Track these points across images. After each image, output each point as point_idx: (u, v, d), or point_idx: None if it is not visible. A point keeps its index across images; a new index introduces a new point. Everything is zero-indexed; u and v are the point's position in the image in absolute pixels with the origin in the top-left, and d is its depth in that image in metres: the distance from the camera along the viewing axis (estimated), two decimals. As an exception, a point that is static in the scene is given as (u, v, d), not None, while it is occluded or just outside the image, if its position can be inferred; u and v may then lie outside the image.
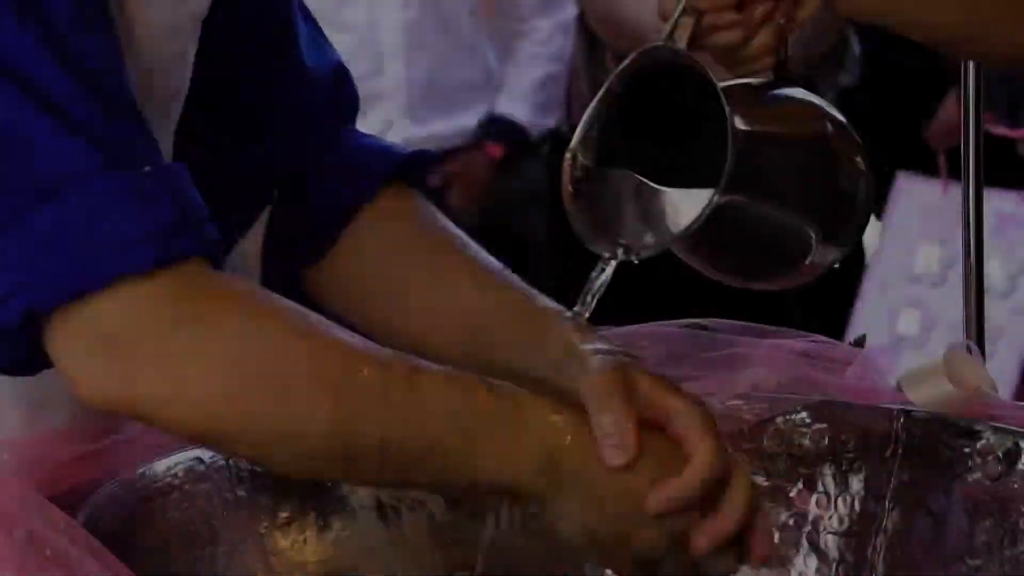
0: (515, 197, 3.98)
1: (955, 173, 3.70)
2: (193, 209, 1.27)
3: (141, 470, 1.40)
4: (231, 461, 1.44)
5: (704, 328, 1.62)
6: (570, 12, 3.87)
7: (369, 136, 1.63)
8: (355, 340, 1.28)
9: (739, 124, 1.34)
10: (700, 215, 1.32)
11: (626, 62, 1.38)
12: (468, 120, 3.73)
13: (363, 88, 3.82)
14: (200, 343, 1.24)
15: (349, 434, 1.24)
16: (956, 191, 3.64)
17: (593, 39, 3.88)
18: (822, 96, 4.16)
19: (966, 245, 2.01)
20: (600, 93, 1.38)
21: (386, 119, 3.68)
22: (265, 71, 1.59)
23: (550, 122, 3.85)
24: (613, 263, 1.36)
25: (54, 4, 1.24)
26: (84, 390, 1.23)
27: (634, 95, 1.39)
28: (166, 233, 1.23)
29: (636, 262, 1.36)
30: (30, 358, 1.25)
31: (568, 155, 1.39)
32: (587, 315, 1.37)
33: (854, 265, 4.00)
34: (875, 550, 1.46)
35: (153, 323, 1.23)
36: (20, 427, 1.39)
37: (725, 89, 1.34)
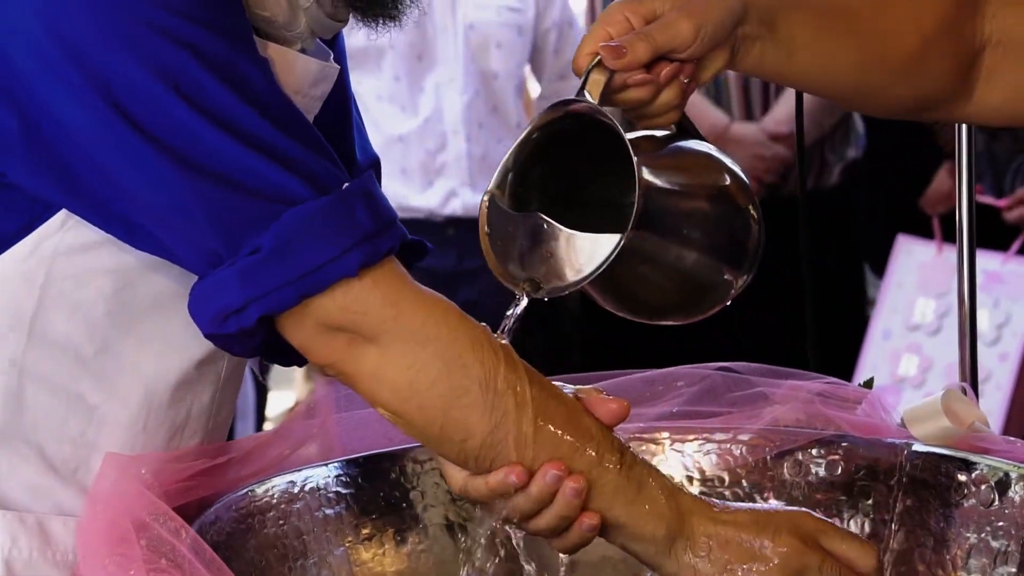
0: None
1: (948, 235, 3.71)
2: (384, 212, 1.31)
3: (245, 490, 1.40)
4: (321, 484, 1.44)
5: (732, 370, 1.61)
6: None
7: None
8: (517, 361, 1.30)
9: (645, 173, 1.30)
10: (607, 258, 1.28)
11: (543, 112, 1.34)
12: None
13: (431, 161, 3.84)
14: (401, 342, 1.28)
15: (496, 458, 1.27)
16: (949, 251, 3.67)
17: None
18: (830, 167, 4.12)
19: (960, 298, 1.99)
20: (518, 140, 1.35)
21: (450, 187, 3.68)
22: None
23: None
24: (524, 300, 1.33)
25: (252, 75, 1.29)
26: (316, 361, 1.31)
27: (549, 144, 1.35)
28: (368, 240, 1.28)
29: (546, 300, 1.33)
30: (266, 347, 1.32)
31: (485, 196, 1.35)
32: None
33: (861, 315, 3.99)
34: (882, 566, 1.45)
35: (365, 316, 1.28)
36: (161, 449, 1.41)
37: (632, 140, 1.30)
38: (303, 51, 1.43)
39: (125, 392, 1.39)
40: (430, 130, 3.65)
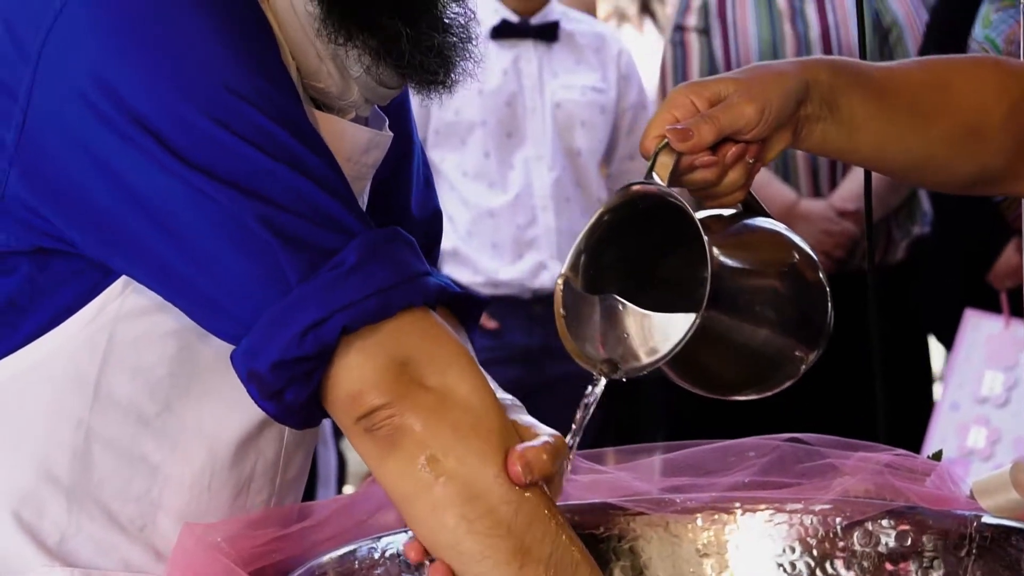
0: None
1: (1016, 310, 3.67)
2: (426, 263, 1.34)
3: (324, 556, 1.39)
4: (400, 550, 1.41)
5: (802, 442, 1.58)
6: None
7: (441, 274, 1.64)
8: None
9: (715, 252, 1.28)
10: (683, 339, 1.27)
11: (614, 195, 1.34)
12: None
13: (521, 235, 3.87)
14: (438, 391, 1.28)
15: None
16: (1017, 325, 3.63)
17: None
18: (896, 243, 4.11)
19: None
20: (589, 222, 1.34)
21: (539, 260, 3.70)
22: (381, 212, 1.57)
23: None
24: (603, 381, 1.31)
25: (295, 116, 1.32)
26: (373, 393, 1.28)
27: (620, 225, 1.34)
28: (423, 276, 1.31)
29: (624, 380, 1.31)
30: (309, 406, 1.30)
31: (559, 280, 1.34)
32: (578, 438, 1.32)
33: (929, 388, 3.95)
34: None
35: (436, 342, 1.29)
36: (227, 506, 1.42)
37: (702, 220, 1.29)
38: (357, 119, 1.44)
39: (188, 451, 1.39)
40: (520, 205, 3.68)
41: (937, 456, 1.63)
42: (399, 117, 1.57)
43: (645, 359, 1.32)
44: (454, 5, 1.44)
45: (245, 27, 1.32)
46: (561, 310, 1.34)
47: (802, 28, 3.75)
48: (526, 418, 1.38)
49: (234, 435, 1.41)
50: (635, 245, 1.36)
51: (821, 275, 1.39)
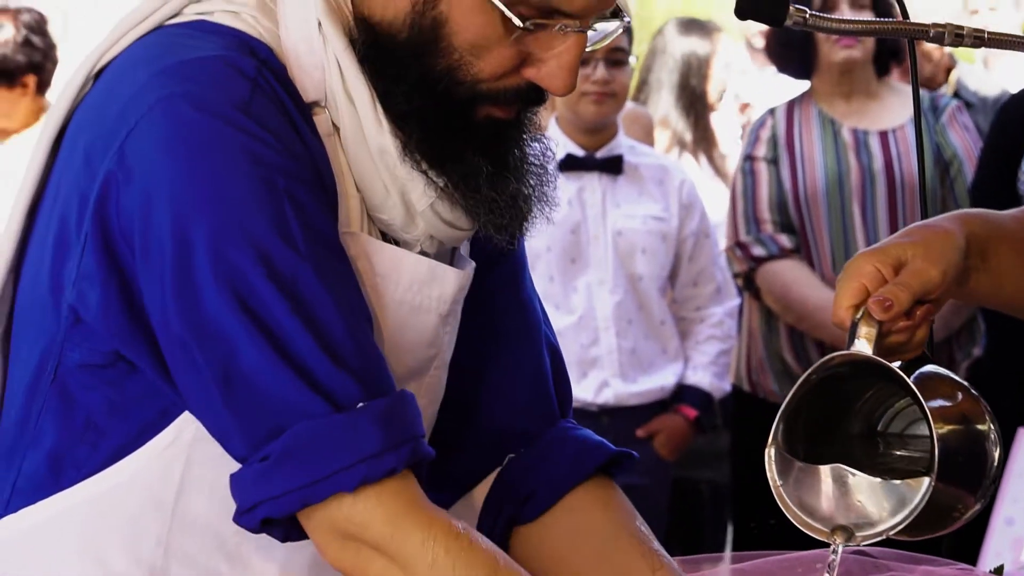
0: (705, 450, 4.02)
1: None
2: (402, 431, 1.31)
3: None
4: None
5: (867, 555, 1.57)
6: (735, 301, 3.92)
7: (585, 430, 1.62)
8: None
9: (901, 401, 1.29)
10: (921, 501, 1.26)
11: (817, 364, 1.34)
12: (666, 379, 3.77)
13: (584, 355, 3.88)
14: (401, 560, 1.29)
15: None
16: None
17: (769, 313, 3.92)
18: (957, 364, 4.10)
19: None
20: (790, 395, 1.34)
21: (602, 379, 3.73)
22: (500, 360, 1.59)
23: (726, 385, 3.88)
24: (840, 548, 1.30)
25: (305, 278, 1.30)
26: (330, 563, 1.32)
27: (819, 392, 1.34)
28: (372, 458, 1.29)
29: (859, 546, 1.29)
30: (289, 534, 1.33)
31: (770, 450, 1.33)
32: None
33: (987, 506, 3.92)
34: None
35: (366, 530, 1.29)
36: None
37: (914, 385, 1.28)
38: (424, 253, 1.44)
39: (261, 573, 1.41)
40: (584, 326, 3.71)
41: (999, 571, 1.62)
42: (514, 260, 1.57)
43: (883, 524, 1.31)
44: (536, 144, 1.47)
45: (288, 180, 1.33)
46: (776, 479, 1.33)
47: (866, 160, 3.79)
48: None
49: (305, 559, 1.42)
50: (822, 406, 1.36)
51: (993, 425, 1.39)
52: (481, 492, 1.58)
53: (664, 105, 4.68)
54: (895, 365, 1.35)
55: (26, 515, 1.43)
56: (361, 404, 1.30)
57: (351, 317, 1.33)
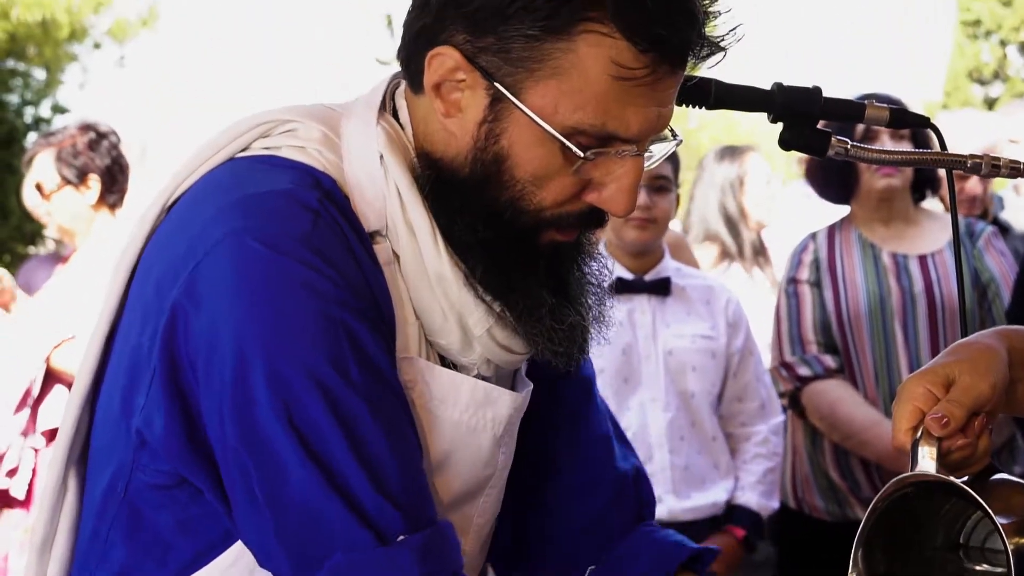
0: (753, 564, 3.97)
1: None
2: (441, 565, 1.30)
3: None
4: None
5: None
6: (780, 418, 3.90)
7: (665, 530, 1.63)
8: None
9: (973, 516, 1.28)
10: None
11: (887, 488, 1.34)
12: (718, 496, 3.75)
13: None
14: None
15: None
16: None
17: (814, 432, 3.89)
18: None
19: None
20: (864, 520, 1.35)
21: (656, 495, 3.70)
22: (575, 473, 1.60)
23: (775, 504, 3.86)
24: None
25: (356, 409, 1.30)
26: None
27: (895, 514, 1.34)
28: None
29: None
30: None
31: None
32: None
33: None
34: None
35: None
36: None
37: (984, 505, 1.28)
38: (481, 376, 1.45)
39: None
40: (637, 443, 3.68)
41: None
42: (575, 384, 1.58)
43: None
44: (593, 264, 1.48)
45: (346, 312, 1.34)
46: None
47: (907, 283, 3.79)
48: None
49: None
50: (897, 527, 1.36)
51: None
52: None
53: (712, 221, 4.99)
54: (964, 479, 1.36)
55: None
56: (402, 538, 1.30)
57: (402, 451, 1.34)
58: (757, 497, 3.77)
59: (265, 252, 1.33)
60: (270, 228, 1.35)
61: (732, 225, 4.98)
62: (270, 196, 1.37)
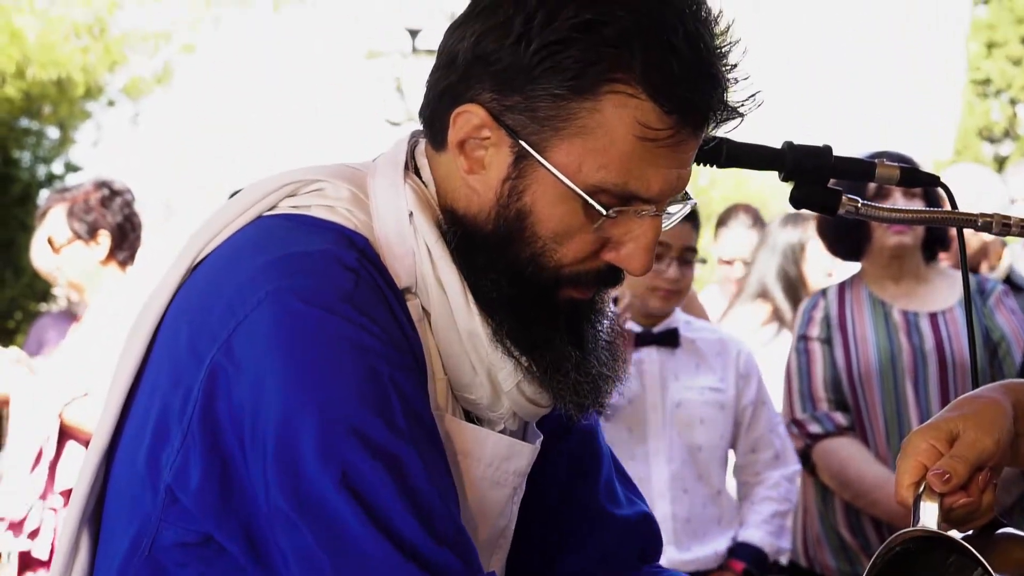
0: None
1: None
2: None
3: None
4: None
5: None
6: (796, 467, 3.90)
7: (670, 570, 1.64)
8: None
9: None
10: None
11: (886, 544, 1.34)
12: (719, 546, 3.74)
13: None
14: None
15: None
16: None
17: (825, 489, 3.89)
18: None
19: None
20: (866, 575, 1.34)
21: (658, 543, 3.71)
22: (579, 521, 1.60)
23: (784, 543, 3.83)
24: None
25: (406, 458, 1.31)
26: None
27: (896, 569, 1.34)
28: None
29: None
30: None
31: None
32: None
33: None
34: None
35: None
36: None
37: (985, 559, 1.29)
38: (504, 430, 1.46)
39: None
40: (640, 494, 3.70)
41: None
42: (585, 427, 1.59)
43: None
44: (606, 321, 1.50)
45: (391, 368, 1.35)
46: None
47: (917, 340, 3.79)
48: None
49: None
50: None
51: None
52: None
53: (770, 283, 5.19)
54: (968, 533, 1.36)
55: None
56: None
57: (448, 498, 1.35)
58: (762, 534, 3.75)
59: (310, 311, 1.34)
60: (313, 286, 1.35)
61: (790, 289, 5.12)
62: (310, 256, 1.38)
